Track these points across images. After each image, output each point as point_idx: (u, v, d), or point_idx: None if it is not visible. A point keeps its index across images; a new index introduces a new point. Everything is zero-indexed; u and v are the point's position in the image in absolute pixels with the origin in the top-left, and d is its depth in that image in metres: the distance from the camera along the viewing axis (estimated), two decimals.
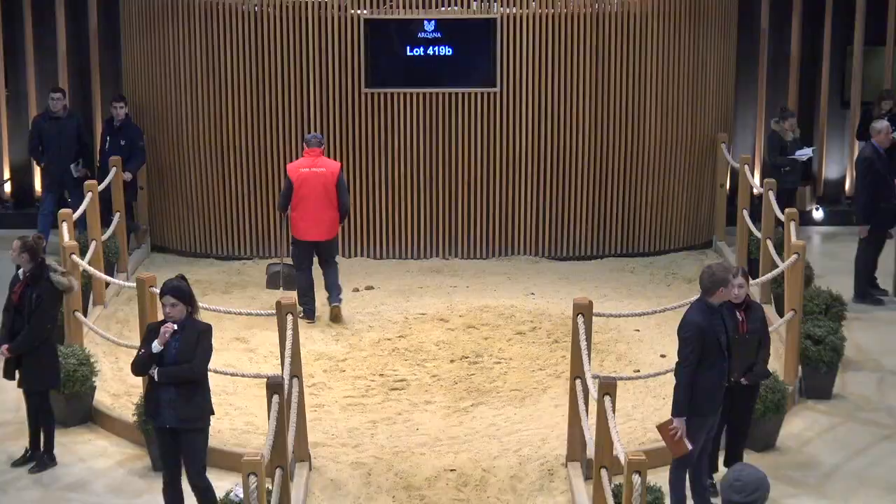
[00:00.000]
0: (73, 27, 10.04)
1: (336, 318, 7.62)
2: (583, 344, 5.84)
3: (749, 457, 6.18)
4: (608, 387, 4.96)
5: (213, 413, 5.44)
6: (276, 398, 5.11)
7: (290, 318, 5.86)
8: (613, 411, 5.00)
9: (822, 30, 10.54)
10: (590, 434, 5.47)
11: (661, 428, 5.24)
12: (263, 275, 8.51)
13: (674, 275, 8.97)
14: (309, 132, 8.40)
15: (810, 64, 10.61)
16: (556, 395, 6.94)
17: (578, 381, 5.80)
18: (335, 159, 8.32)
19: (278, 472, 5.05)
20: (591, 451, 5.58)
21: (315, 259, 7.92)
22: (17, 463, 6.30)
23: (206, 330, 5.31)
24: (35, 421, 6.30)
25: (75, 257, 7.06)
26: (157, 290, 5.73)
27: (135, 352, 5.73)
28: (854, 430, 7.17)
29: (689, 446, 5.14)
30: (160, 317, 5.57)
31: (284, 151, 8.86)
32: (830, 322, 7.30)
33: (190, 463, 5.27)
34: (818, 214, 10.53)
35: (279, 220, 8.27)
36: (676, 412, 5.21)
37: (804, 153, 9.32)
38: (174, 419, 5.20)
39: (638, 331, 7.91)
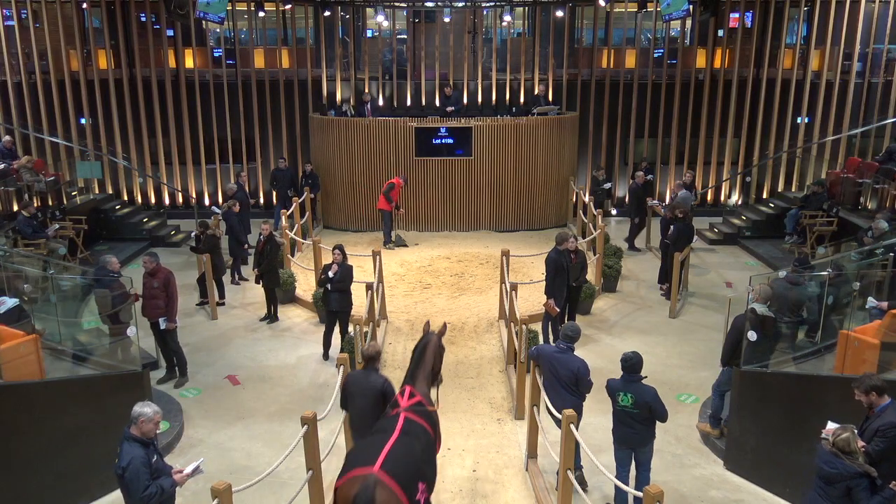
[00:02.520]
0: (290, 131, 16.91)
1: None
2: (505, 269, 10.29)
3: (578, 318, 10.09)
4: (514, 286, 9.08)
5: (352, 305, 9.44)
6: (370, 291, 9.43)
7: (378, 257, 10.68)
8: (516, 297, 8.93)
9: (615, 128, 17.15)
10: (507, 305, 9.35)
11: (546, 304, 9.26)
12: (373, 237, 14.66)
13: (548, 238, 13.78)
14: (391, 177, 14.70)
15: (610, 146, 17.35)
16: (494, 291, 11.55)
17: (502, 285, 10.33)
18: (401, 188, 14.54)
19: (371, 323, 8.76)
20: (507, 313, 9.35)
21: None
22: (263, 319, 10.92)
23: (350, 268, 9.34)
24: (270, 301, 10.98)
25: (287, 231, 12.38)
26: (325, 247, 10.06)
27: (313, 272, 10.66)
28: (625, 306, 11.50)
29: (558, 310, 9.27)
30: (326, 260, 9.56)
31: (378, 183, 14.99)
32: (615, 258, 12.34)
33: (342, 326, 9.38)
34: (614, 211, 17.07)
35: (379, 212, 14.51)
36: (550, 294, 9.20)
37: (607, 185, 15.92)
38: (335, 306, 9.28)
39: (533, 263, 12.79)
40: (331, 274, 9.17)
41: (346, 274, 9.26)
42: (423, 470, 5.26)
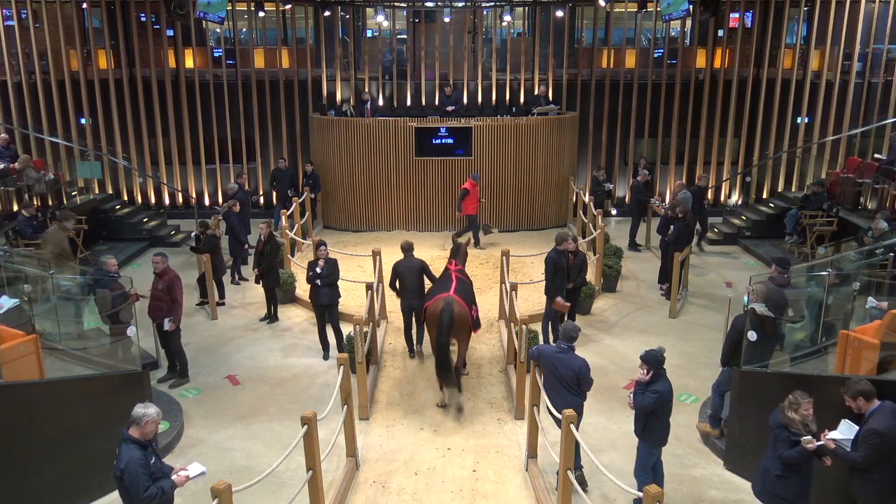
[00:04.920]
0: (290, 131, 16.96)
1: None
2: (505, 269, 10.47)
3: (578, 318, 10.24)
4: (514, 286, 9.19)
5: (340, 296, 9.62)
6: (370, 291, 9.45)
7: (377, 257, 10.66)
8: (516, 297, 9.03)
9: (615, 128, 17.25)
10: (507, 305, 9.52)
11: (555, 303, 9.29)
12: (373, 237, 14.67)
13: (547, 238, 14.12)
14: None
15: (610, 146, 17.48)
16: (494, 291, 11.71)
17: (502, 285, 10.57)
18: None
19: (371, 323, 8.85)
20: (507, 313, 9.71)
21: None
22: (263, 319, 11.02)
23: (335, 262, 9.49)
24: (270, 301, 11.06)
25: (288, 231, 12.45)
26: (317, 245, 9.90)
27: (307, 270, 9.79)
28: (625, 306, 11.63)
29: (568, 305, 9.40)
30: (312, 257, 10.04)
31: (378, 183, 15.32)
32: (615, 258, 12.43)
33: (333, 320, 9.50)
34: (614, 211, 17.20)
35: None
36: (549, 295, 9.35)
37: (609, 185, 15.92)
38: (326, 300, 9.43)
39: (533, 263, 12.89)
40: (318, 270, 9.28)
41: (332, 268, 9.38)
42: (474, 299, 8.75)
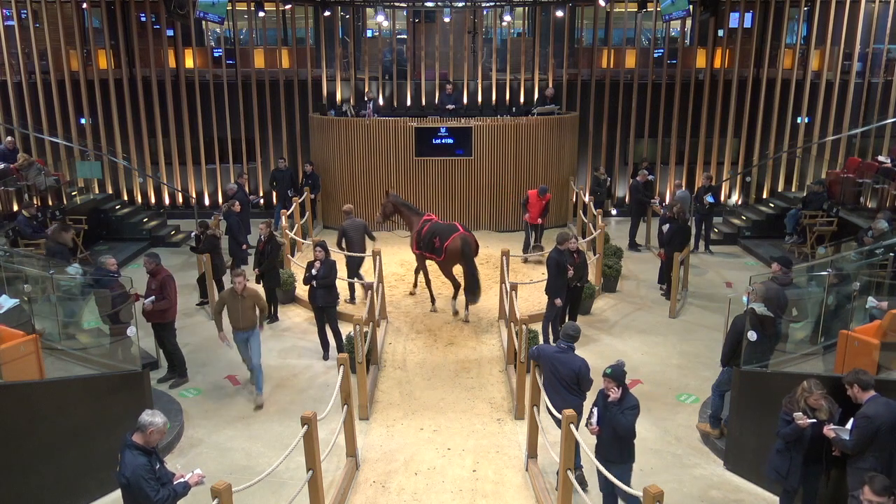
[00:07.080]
0: (290, 131, 16.97)
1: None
2: (505, 269, 10.59)
3: (578, 318, 10.14)
4: (514, 286, 9.23)
5: (338, 298, 9.82)
6: (370, 291, 9.58)
7: (377, 257, 10.75)
8: (516, 296, 9.07)
9: (615, 128, 17.29)
10: (507, 306, 9.57)
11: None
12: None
13: (548, 238, 13.45)
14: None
15: (610, 146, 17.59)
16: (495, 290, 11.67)
17: (502, 285, 10.56)
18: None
19: (371, 323, 8.84)
20: (507, 313, 9.75)
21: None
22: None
23: (334, 263, 9.42)
24: (270, 301, 10.82)
25: (288, 231, 12.40)
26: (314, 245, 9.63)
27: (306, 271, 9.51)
28: (625, 306, 11.68)
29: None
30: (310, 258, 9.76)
31: (378, 183, 15.29)
32: (615, 258, 12.51)
33: (330, 321, 9.41)
34: (614, 211, 17.29)
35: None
36: (550, 294, 9.46)
37: (604, 177, 16.05)
38: (321, 302, 9.39)
39: (527, 261, 13.46)
40: (314, 272, 9.23)
41: (329, 270, 9.30)
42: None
